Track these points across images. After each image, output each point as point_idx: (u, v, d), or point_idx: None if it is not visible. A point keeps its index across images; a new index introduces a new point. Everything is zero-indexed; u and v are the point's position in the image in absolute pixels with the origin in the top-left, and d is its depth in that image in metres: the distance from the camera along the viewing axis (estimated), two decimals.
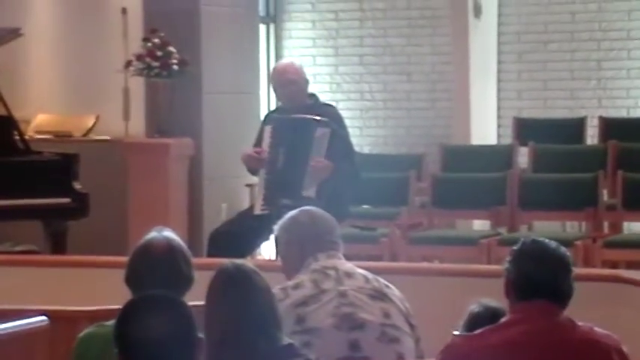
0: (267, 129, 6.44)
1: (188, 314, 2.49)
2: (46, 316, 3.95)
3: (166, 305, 2.49)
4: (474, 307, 3.38)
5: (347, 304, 3.59)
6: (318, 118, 6.30)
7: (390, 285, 3.73)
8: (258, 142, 6.49)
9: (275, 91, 6.64)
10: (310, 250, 3.71)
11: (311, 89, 6.85)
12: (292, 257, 3.76)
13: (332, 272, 3.66)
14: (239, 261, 3.22)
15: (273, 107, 6.79)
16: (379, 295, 3.65)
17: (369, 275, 3.72)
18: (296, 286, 3.64)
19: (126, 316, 2.49)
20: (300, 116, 6.33)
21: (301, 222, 3.78)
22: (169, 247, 3.33)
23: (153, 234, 3.39)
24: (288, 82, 6.40)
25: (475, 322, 3.27)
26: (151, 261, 3.31)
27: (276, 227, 3.86)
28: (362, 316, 3.58)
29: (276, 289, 3.46)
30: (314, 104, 6.50)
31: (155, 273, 3.27)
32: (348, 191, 6.43)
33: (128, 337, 2.46)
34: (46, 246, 7.49)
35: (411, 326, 3.67)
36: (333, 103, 7.03)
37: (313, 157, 6.23)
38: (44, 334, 3.92)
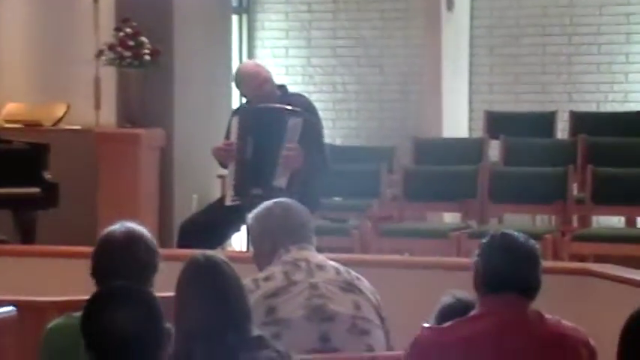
0: (235, 120, 6.42)
1: (155, 305, 2.49)
2: (14, 306, 3.93)
3: (132, 296, 2.50)
4: (446, 299, 3.39)
5: (318, 295, 3.60)
6: (289, 107, 6.28)
7: (361, 277, 3.74)
8: (228, 135, 6.48)
9: (246, 94, 6.56)
10: (282, 242, 3.72)
11: (284, 81, 6.84)
12: (264, 248, 3.76)
13: (303, 264, 3.67)
14: (210, 252, 3.22)
15: (246, 100, 6.76)
16: (350, 288, 3.66)
17: (341, 267, 3.73)
18: (267, 278, 3.64)
19: (92, 307, 2.49)
20: (269, 105, 6.31)
21: (274, 214, 3.79)
22: (128, 236, 3.33)
23: (114, 226, 3.40)
24: (263, 82, 6.37)
25: (447, 313, 3.28)
26: (109, 251, 3.32)
27: (249, 217, 3.87)
28: (332, 308, 3.59)
29: (247, 281, 3.46)
30: (284, 95, 6.48)
31: (114, 263, 3.28)
32: (317, 182, 6.42)
33: (94, 329, 2.46)
34: (15, 236, 7.45)
35: (382, 319, 3.69)
36: (306, 94, 7.01)
37: (285, 145, 6.21)
38: (12, 324, 3.90)
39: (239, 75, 6.60)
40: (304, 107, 6.37)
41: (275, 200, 3.87)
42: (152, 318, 2.46)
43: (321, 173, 6.41)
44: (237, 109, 6.87)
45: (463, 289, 3.37)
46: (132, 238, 3.34)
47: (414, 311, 3.66)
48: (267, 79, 6.41)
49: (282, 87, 6.57)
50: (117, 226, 3.38)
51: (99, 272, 3.30)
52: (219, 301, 3.06)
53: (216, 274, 3.10)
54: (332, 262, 3.74)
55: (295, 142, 6.21)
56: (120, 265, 3.26)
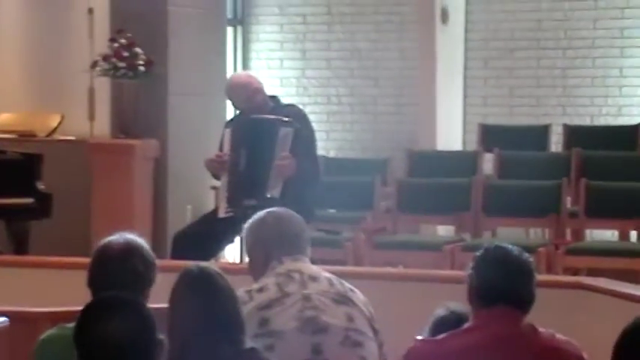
0: (227, 132, 6.43)
1: (147, 315, 2.49)
2: (6, 316, 3.92)
3: (125, 307, 2.49)
4: (440, 311, 3.38)
5: (311, 307, 3.59)
6: (280, 118, 6.29)
7: (355, 289, 3.73)
8: (221, 147, 6.48)
9: (237, 105, 6.57)
10: (275, 253, 3.71)
11: (279, 93, 6.83)
12: (258, 259, 3.75)
13: (296, 275, 3.66)
14: (203, 263, 3.22)
15: (238, 111, 6.76)
16: (343, 300, 3.65)
17: (334, 279, 3.72)
18: (260, 289, 3.64)
19: (85, 318, 2.49)
20: (261, 117, 6.32)
21: (267, 224, 3.77)
22: (126, 248, 3.33)
23: (113, 236, 3.39)
24: (254, 93, 6.39)
25: (440, 325, 3.27)
26: (106, 261, 3.31)
27: (244, 228, 3.86)
28: (325, 320, 3.58)
29: (240, 292, 3.46)
30: (276, 105, 6.49)
31: (111, 273, 3.27)
32: (310, 192, 6.42)
33: (87, 340, 2.45)
34: (8, 246, 7.43)
35: (375, 331, 3.68)
36: (300, 106, 7.02)
37: (277, 155, 6.22)
38: (4, 334, 3.89)
39: (230, 86, 6.62)
40: (297, 118, 6.38)
41: (269, 210, 3.86)
42: (145, 329, 2.46)
43: (313, 184, 6.41)
44: (230, 120, 6.87)
45: (457, 302, 3.37)
46: (129, 249, 3.33)
47: (407, 323, 3.65)
48: (259, 90, 6.42)
49: (274, 98, 6.58)
50: (115, 237, 3.37)
51: (95, 282, 3.29)
52: (213, 312, 3.06)
53: (210, 286, 3.10)
54: (326, 274, 3.73)
55: (287, 151, 6.21)
56: (116, 276, 3.25)
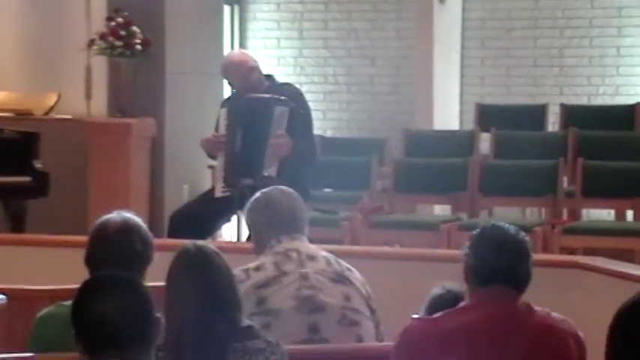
0: (223, 112, 6.42)
1: (144, 294, 2.49)
2: (4, 294, 3.93)
3: (121, 285, 2.49)
4: (436, 290, 3.39)
5: (308, 286, 3.60)
6: (276, 96, 6.29)
7: (352, 268, 3.74)
8: (217, 127, 6.47)
9: (233, 83, 6.56)
10: (273, 232, 3.72)
11: (276, 72, 6.82)
12: (258, 238, 3.76)
13: (294, 254, 3.67)
14: (200, 242, 3.22)
15: (234, 90, 6.75)
16: (340, 279, 3.66)
17: (332, 258, 3.73)
18: (257, 268, 3.65)
19: (82, 296, 2.49)
20: (257, 95, 6.32)
21: (265, 203, 3.78)
22: (124, 226, 3.33)
23: (111, 215, 3.39)
24: (250, 71, 6.38)
25: (437, 304, 3.28)
26: (104, 239, 3.31)
27: (245, 207, 3.86)
28: (322, 299, 3.59)
29: (237, 270, 3.47)
30: (272, 85, 6.49)
31: (109, 251, 3.27)
32: (306, 171, 6.42)
33: (84, 317, 2.46)
34: (5, 224, 7.44)
35: (372, 310, 3.69)
36: (297, 85, 7.02)
37: (273, 134, 6.22)
38: (2, 312, 3.90)
39: (226, 64, 6.61)
40: (293, 97, 6.37)
41: (269, 189, 3.86)
42: (142, 307, 2.46)
43: (309, 163, 6.41)
44: (226, 99, 6.87)
45: (453, 281, 3.38)
46: (128, 228, 3.33)
47: (403, 302, 3.66)
48: (254, 69, 6.41)
49: (270, 77, 6.57)
50: (113, 215, 3.38)
51: (93, 260, 3.29)
52: (210, 291, 3.06)
53: (207, 264, 3.11)
54: (324, 253, 3.74)
55: (283, 130, 6.21)
56: (114, 254, 3.26)
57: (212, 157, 6.65)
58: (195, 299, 3.05)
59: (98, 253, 3.29)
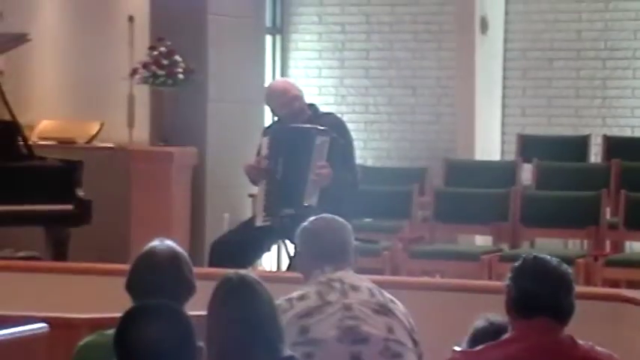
0: (265, 140, 6.45)
1: (188, 323, 2.49)
2: (46, 322, 3.94)
3: (166, 314, 2.49)
4: (478, 322, 3.36)
5: (351, 317, 3.58)
6: (317, 126, 6.30)
7: (395, 300, 3.72)
8: (259, 155, 6.49)
9: (276, 111, 6.59)
10: (318, 262, 3.71)
11: (317, 101, 6.83)
12: (303, 268, 3.77)
13: (337, 284, 3.66)
14: (242, 271, 3.22)
15: (276, 117, 6.78)
16: (383, 310, 3.65)
17: (375, 289, 3.71)
18: (301, 297, 3.64)
19: (125, 324, 2.49)
20: (298, 125, 6.33)
21: (310, 233, 3.78)
22: (173, 254, 3.33)
23: (155, 242, 3.39)
24: (293, 99, 6.40)
25: (479, 337, 3.25)
26: (153, 267, 3.31)
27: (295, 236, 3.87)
28: (365, 330, 3.57)
29: (281, 300, 3.46)
30: (314, 114, 6.50)
31: (159, 279, 3.27)
32: (347, 201, 6.41)
33: (127, 346, 2.45)
34: (48, 252, 7.48)
35: (415, 342, 3.66)
36: (338, 115, 7.03)
37: (315, 164, 6.23)
38: (44, 340, 3.91)
39: (269, 92, 6.66)
40: (334, 126, 6.38)
41: (315, 218, 3.85)
42: (185, 335, 2.46)
43: (350, 192, 6.41)
44: (268, 127, 6.89)
45: (495, 313, 3.35)
46: (177, 255, 3.33)
47: (443, 334, 3.64)
48: (297, 97, 6.43)
49: (312, 106, 6.58)
50: (157, 243, 3.37)
51: (138, 287, 3.28)
52: (251, 320, 3.06)
53: (249, 294, 3.10)
54: (368, 283, 3.72)
55: (324, 160, 6.22)
56: (163, 281, 3.25)
57: (254, 182, 6.67)
58: (236, 328, 3.04)
59: (145, 280, 3.28)
